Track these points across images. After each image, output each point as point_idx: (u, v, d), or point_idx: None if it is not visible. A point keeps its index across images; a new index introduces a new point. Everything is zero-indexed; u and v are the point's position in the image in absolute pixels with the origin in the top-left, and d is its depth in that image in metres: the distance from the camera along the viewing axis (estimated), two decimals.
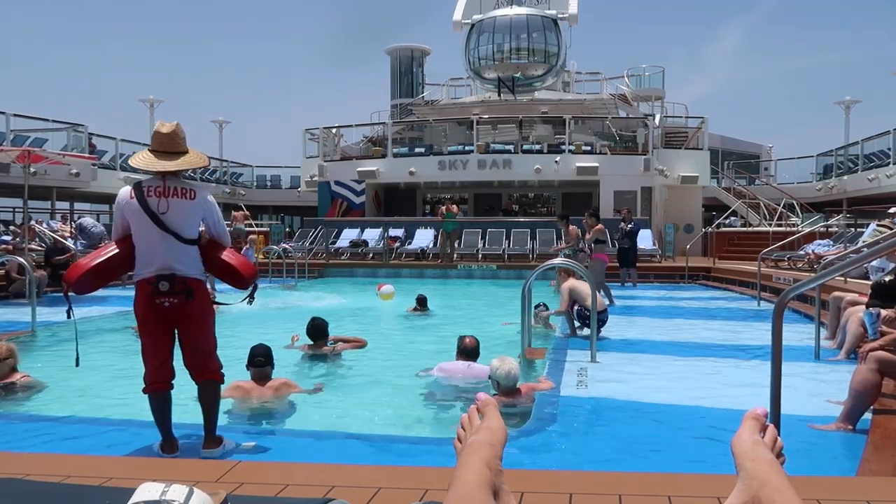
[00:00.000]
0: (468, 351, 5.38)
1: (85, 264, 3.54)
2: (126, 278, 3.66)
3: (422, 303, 9.75)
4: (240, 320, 8.45)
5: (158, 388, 3.53)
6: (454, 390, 5.11)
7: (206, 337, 3.64)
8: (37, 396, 4.88)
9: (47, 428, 3.98)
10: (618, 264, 14.18)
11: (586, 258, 11.05)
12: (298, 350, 6.44)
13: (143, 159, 3.57)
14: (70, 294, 3.62)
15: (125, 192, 3.53)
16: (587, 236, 11.35)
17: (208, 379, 3.62)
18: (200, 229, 3.65)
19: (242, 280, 3.77)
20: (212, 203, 3.64)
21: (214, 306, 3.81)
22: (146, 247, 3.48)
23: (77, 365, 3.92)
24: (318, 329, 6.36)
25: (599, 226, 11.28)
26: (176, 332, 3.59)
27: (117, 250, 3.55)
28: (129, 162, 4.18)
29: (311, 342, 6.36)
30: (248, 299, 4.03)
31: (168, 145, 3.57)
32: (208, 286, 3.84)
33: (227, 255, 3.72)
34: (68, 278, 3.50)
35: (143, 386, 3.55)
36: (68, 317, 3.67)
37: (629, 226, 14.26)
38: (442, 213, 17.60)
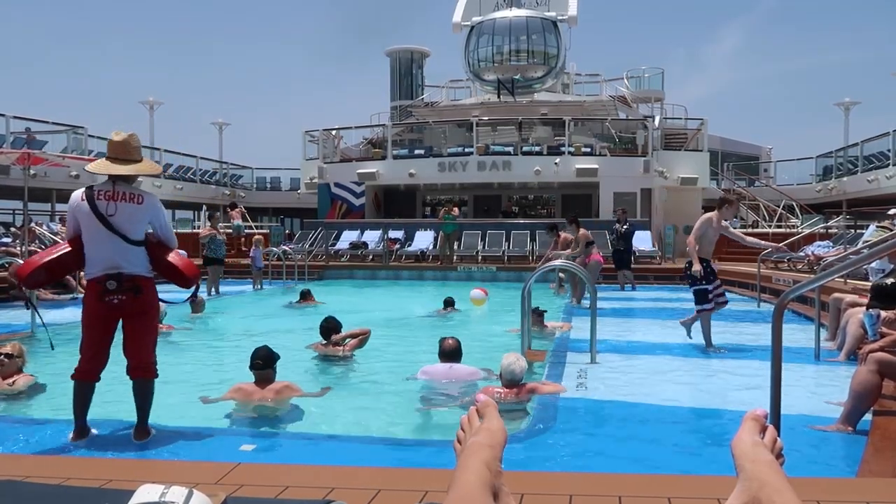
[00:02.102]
0: (449, 353, 5.37)
1: (36, 261, 3.86)
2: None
3: (450, 303, 10.10)
4: (250, 322, 8.43)
5: (87, 377, 3.77)
6: (440, 392, 5.11)
7: (150, 329, 3.91)
8: (37, 398, 4.88)
9: (47, 430, 3.97)
10: (613, 266, 14.09)
11: (582, 261, 11.10)
12: (311, 350, 6.50)
13: (98, 165, 3.89)
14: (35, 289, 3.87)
15: (77, 194, 3.80)
16: (577, 248, 11.52)
17: (141, 377, 3.83)
18: (148, 231, 3.90)
19: (186, 280, 4.05)
20: (159, 208, 3.94)
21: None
22: (94, 246, 3.72)
23: (52, 348, 4.39)
24: (330, 328, 6.48)
25: (584, 231, 11.66)
26: (122, 327, 3.82)
27: (69, 248, 3.84)
28: (86, 168, 4.55)
29: (324, 341, 6.45)
30: (190, 298, 4.43)
31: (120, 152, 3.82)
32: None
33: (173, 257, 3.97)
34: (20, 273, 3.79)
35: (73, 373, 3.79)
36: (27, 307, 3.86)
37: (624, 227, 14.14)
38: (442, 215, 17.60)
